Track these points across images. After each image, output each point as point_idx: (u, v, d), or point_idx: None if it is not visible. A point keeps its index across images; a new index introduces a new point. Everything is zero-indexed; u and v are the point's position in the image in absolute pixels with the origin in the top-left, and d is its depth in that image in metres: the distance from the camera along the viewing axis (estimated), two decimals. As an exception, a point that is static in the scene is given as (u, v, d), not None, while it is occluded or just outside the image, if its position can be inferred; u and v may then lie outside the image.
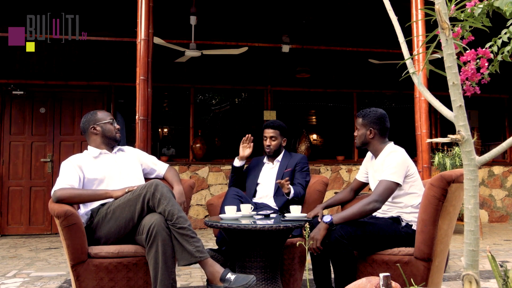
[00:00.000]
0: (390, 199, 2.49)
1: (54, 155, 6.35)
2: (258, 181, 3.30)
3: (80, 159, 2.61)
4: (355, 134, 2.73)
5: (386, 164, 2.51)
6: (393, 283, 1.26)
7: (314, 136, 8.07)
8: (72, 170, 2.52)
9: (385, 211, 2.56)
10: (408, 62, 1.24)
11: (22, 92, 6.33)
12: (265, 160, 3.40)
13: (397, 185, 2.44)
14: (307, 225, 1.79)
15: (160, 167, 2.89)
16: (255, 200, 3.22)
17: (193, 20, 5.47)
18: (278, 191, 3.17)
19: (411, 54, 1.25)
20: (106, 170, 2.62)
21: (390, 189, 2.42)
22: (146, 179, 2.79)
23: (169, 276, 2.15)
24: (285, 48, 6.41)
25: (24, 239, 5.84)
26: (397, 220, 2.49)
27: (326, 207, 2.82)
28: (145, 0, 3.66)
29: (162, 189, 2.28)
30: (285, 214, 2.70)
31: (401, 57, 1.25)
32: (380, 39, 6.40)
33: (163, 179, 2.85)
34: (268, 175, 3.31)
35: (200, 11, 5.63)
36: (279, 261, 2.61)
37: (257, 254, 2.44)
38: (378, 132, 2.66)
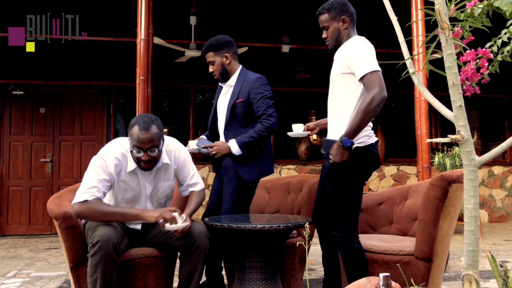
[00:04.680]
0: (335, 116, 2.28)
1: (54, 155, 6.35)
2: (217, 113, 2.88)
3: (118, 166, 2.23)
4: (324, 36, 2.42)
5: (356, 54, 2.19)
6: (393, 283, 1.26)
7: (314, 136, 8.06)
8: (102, 177, 2.17)
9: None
10: (408, 62, 1.24)
11: (22, 92, 6.33)
12: (220, 83, 2.93)
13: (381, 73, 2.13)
14: (307, 225, 1.79)
15: (193, 187, 2.51)
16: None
17: (193, 20, 5.48)
18: (228, 127, 2.78)
19: (411, 54, 1.25)
20: (135, 190, 2.33)
21: (379, 77, 2.11)
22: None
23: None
24: (285, 48, 6.41)
25: (24, 239, 5.84)
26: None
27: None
28: (145, 0, 3.66)
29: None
30: (288, 133, 2.62)
31: (401, 57, 1.25)
32: (380, 39, 6.40)
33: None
34: (221, 104, 2.86)
35: (200, 11, 5.63)
36: (279, 261, 2.61)
37: (257, 254, 2.43)
38: (350, 20, 2.37)
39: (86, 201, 2.09)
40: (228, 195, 2.73)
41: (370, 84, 2.10)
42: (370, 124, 2.29)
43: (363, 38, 2.32)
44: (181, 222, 2.16)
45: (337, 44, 2.40)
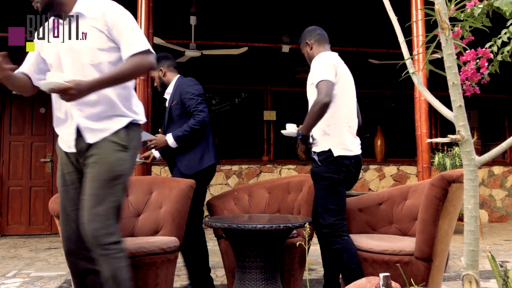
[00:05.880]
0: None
1: (54, 155, 6.35)
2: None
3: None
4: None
5: (313, 68, 2.53)
6: (393, 283, 1.26)
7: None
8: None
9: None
10: (408, 62, 1.24)
11: (22, 92, 6.33)
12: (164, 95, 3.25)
13: (332, 83, 2.45)
14: (307, 225, 1.79)
15: (128, 50, 1.86)
16: None
17: (193, 20, 5.48)
18: (168, 129, 3.06)
19: (411, 54, 1.25)
20: (53, 51, 1.93)
21: (326, 85, 2.42)
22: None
23: None
24: (285, 48, 6.42)
25: (24, 239, 5.84)
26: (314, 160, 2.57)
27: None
28: (145, 0, 3.66)
29: None
30: (281, 131, 2.92)
31: (401, 57, 1.25)
32: (380, 39, 6.40)
33: None
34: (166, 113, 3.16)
35: (200, 11, 5.63)
36: (279, 261, 2.61)
37: (257, 254, 2.43)
38: (314, 41, 2.72)
39: None
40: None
41: (319, 90, 2.44)
42: (347, 136, 2.54)
43: (327, 53, 2.62)
44: (61, 80, 1.72)
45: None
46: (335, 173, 2.47)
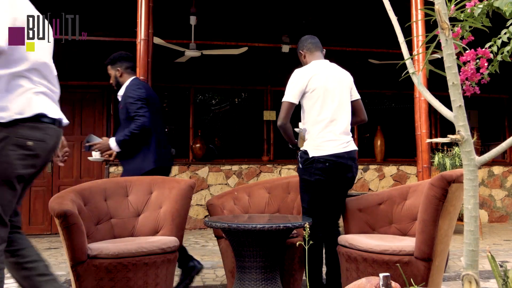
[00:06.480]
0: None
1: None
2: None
3: None
4: None
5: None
6: (393, 283, 1.26)
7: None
8: None
9: None
10: (408, 62, 1.24)
11: (22, 92, 6.32)
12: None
13: (291, 104, 2.67)
14: (307, 225, 1.79)
15: None
16: None
17: (193, 20, 5.49)
18: (117, 132, 3.10)
19: (411, 54, 1.25)
20: None
21: (283, 108, 2.68)
22: None
23: None
24: (285, 48, 6.42)
25: (24, 239, 5.84)
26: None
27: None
28: (145, 0, 3.66)
29: None
30: (294, 129, 2.92)
31: (401, 57, 1.25)
32: (380, 39, 6.40)
33: None
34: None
35: (200, 11, 5.64)
36: (279, 261, 2.61)
37: (257, 254, 2.43)
38: (306, 50, 2.91)
39: None
40: None
41: (280, 111, 2.70)
42: (325, 137, 2.64)
43: (302, 68, 2.79)
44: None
45: None
46: (309, 176, 2.65)
